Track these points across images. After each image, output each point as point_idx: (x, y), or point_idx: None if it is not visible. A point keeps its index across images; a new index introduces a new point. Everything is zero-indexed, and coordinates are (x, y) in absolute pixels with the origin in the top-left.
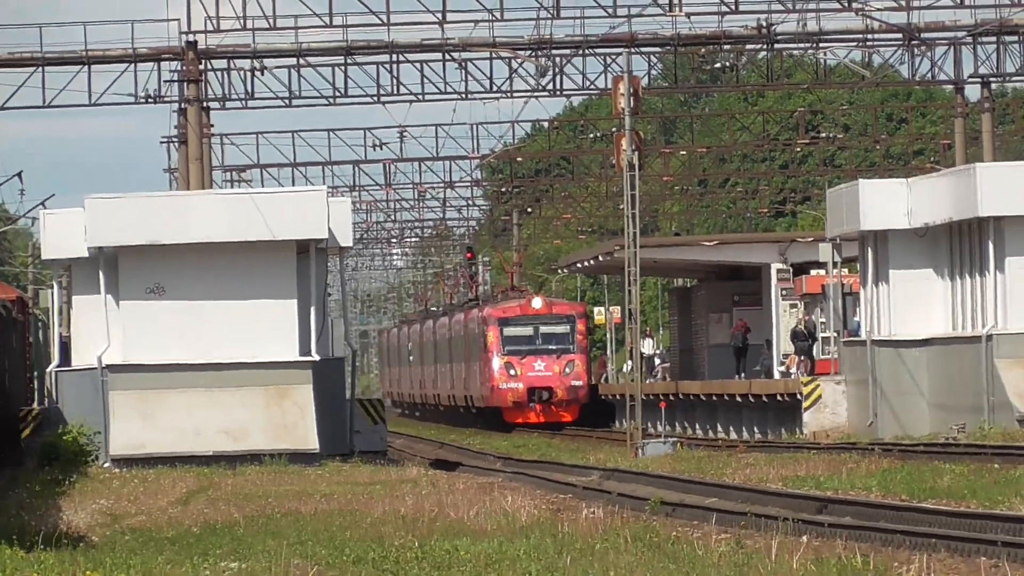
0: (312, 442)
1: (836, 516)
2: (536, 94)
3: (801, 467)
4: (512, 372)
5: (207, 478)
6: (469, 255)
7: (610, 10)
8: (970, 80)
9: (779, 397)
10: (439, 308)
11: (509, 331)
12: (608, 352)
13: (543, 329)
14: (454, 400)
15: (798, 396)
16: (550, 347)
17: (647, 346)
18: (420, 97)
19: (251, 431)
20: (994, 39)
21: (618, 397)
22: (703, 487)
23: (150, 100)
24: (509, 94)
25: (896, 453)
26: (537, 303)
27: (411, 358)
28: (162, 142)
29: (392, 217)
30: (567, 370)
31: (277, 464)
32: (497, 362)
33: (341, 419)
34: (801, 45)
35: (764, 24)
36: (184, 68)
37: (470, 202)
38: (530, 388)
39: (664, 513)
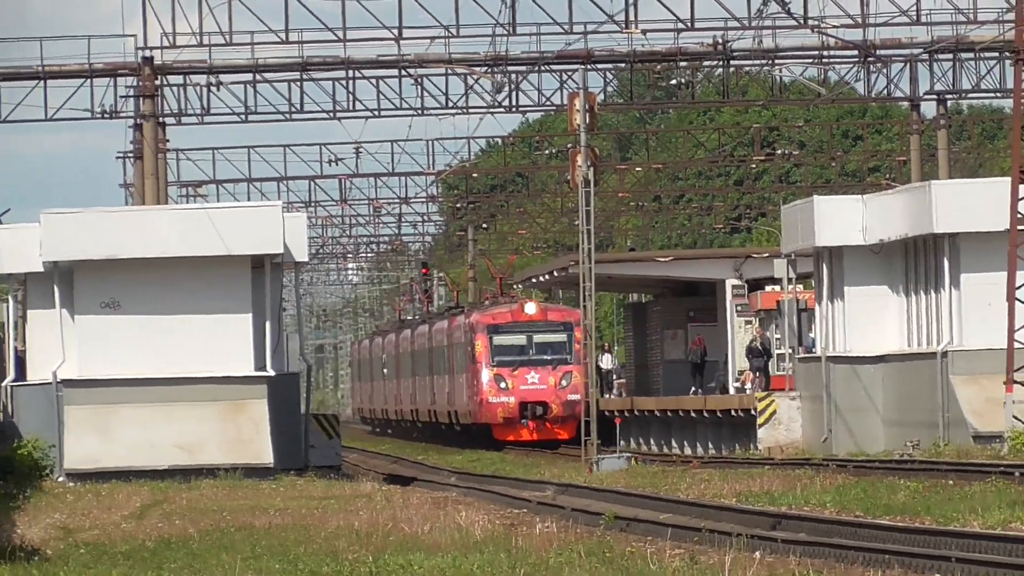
0: (267, 457)
1: (790, 532)
2: (492, 110)
3: (755, 483)
4: (503, 385)
5: (162, 492)
6: (424, 271)
7: (566, 27)
8: (926, 97)
9: (734, 413)
10: (417, 316)
11: (499, 340)
12: None
13: (537, 338)
14: (435, 416)
15: (753, 412)
16: (545, 357)
17: (606, 361)
18: (376, 113)
19: (206, 445)
20: (950, 56)
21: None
22: (657, 502)
23: (106, 115)
24: (465, 110)
25: (851, 469)
26: (531, 308)
27: (385, 371)
28: (118, 157)
29: (347, 232)
30: (563, 383)
31: (232, 478)
32: (486, 374)
33: (296, 434)
34: (757, 62)
35: (720, 41)
36: (140, 84)
37: (425, 217)
38: (523, 403)
39: (618, 528)
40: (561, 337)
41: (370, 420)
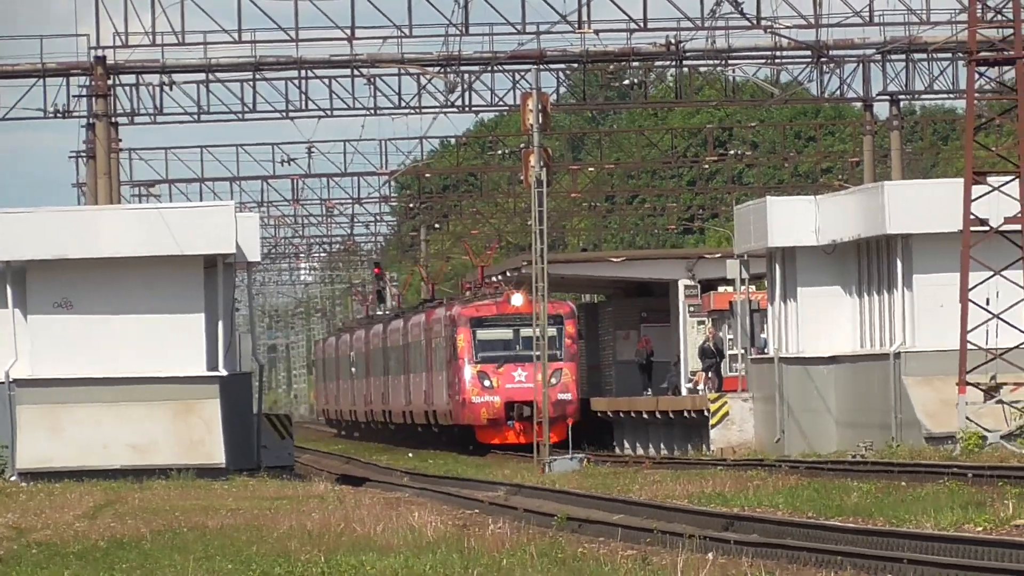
0: (219, 457)
1: (743, 533)
2: (445, 110)
3: (708, 484)
4: (487, 383)
5: (114, 492)
6: (377, 270)
7: (519, 27)
8: (879, 98)
9: (686, 414)
10: (389, 311)
11: (483, 334)
12: None
13: (524, 332)
14: (410, 417)
15: (705, 413)
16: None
17: None
18: (329, 113)
19: (158, 445)
20: (903, 57)
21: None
22: (610, 503)
23: (59, 115)
24: (418, 110)
25: (803, 470)
26: (517, 300)
27: (354, 370)
28: (71, 157)
29: (300, 232)
30: (553, 381)
31: (184, 479)
32: (469, 371)
33: (248, 434)
34: (710, 62)
35: (673, 41)
36: (93, 83)
37: (378, 218)
38: (508, 402)
39: (570, 529)
40: (551, 331)
41: (337, 422)
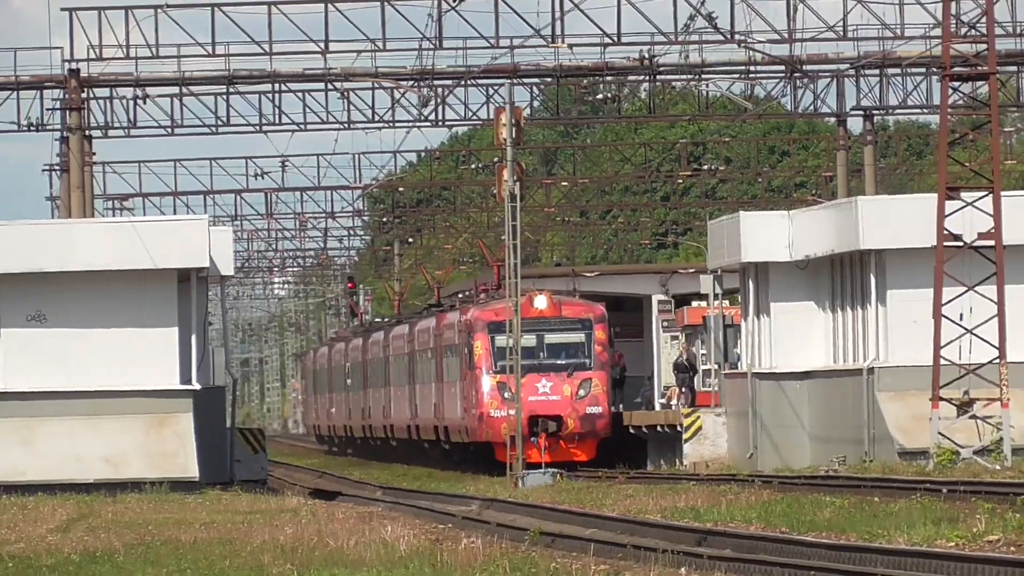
0: (192, 470)
1: (716, 548)
2: (418, 124)
3: (681, 499)
4: (507, 395)
5: (87, 506)
6: (351, 285)
7: (492, 41)
8: (852, 113)
9: (659, 428)
10: (390, 317)
11: (503, 341)
12: None
13: (549, 338)
14: (416, 432)
15: (678, 428)
16: (559, 362)
17: None
18: (302, 127)
19: (131, 459)
20: (877, 72)
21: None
22: (582, 518)
23: (32, 128)
24: (391, 124)
25: (776, 485)
26: (541, 302)
27: (349, 382)
28: (44, 170)
29: (273, 246)
30: (581, 392)
31: (157, 492)
32: (487, 382)
33: (221, 448)
34: (683, 77)
35: (646, 56)
36: (67, 96)
37: (351, 232)
38: (532, 416)
39: (543, 544)
40: (578, 337)
41: (328, 438)
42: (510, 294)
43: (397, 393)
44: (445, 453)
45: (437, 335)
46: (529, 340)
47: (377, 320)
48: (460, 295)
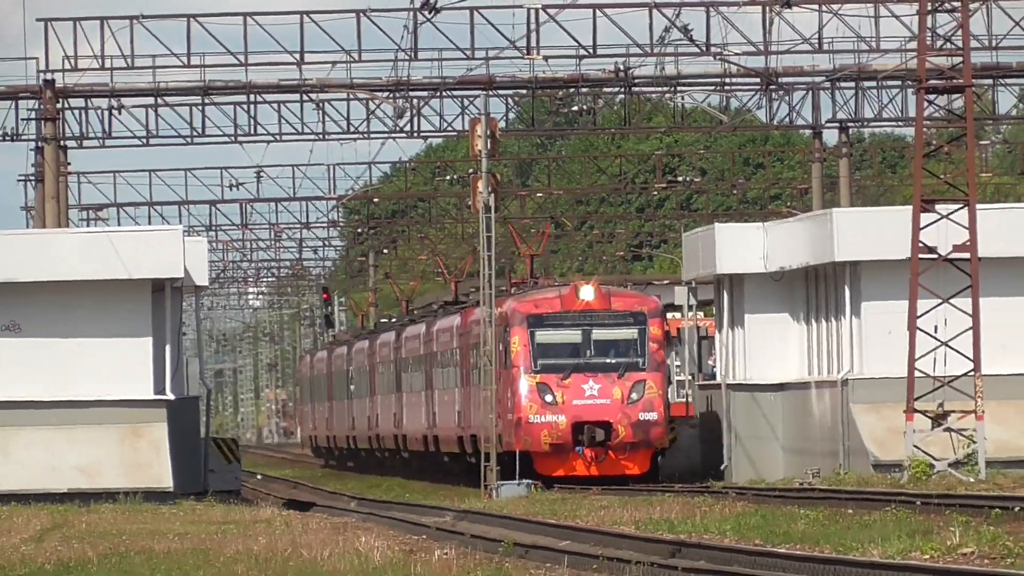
0: (166, 481)
1: (690, 560)
2: (393, 135)
3: (655, 510)
4: (549, 399)
5: (61, 516)
6: (325, 295)
7: (468, 52)
8: (828, 125)
9: None
10: (397, 317)
11: (545, 336)
12: None
13: (597, 334)
14: (435, 443)
15: None
16: (608, 361)
17: None
18: (277, 137)
19: (106, 469)
20: (852, 84)
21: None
22: (556, 529)
23: (7, 138)
24: (366, 135)
25: (750, 497)
26: (587, 293)
27: (352, 388)
28: (19, 180)
29: (248, 257)
30: (633, 396)
31: (131, 502)
32: (525, 384)
33: (195, 458)
34: (659, 89)
35: (622, 67)
36: (42, 107)
37: (326, 243)
38: (576, 423)
39: (517, 555)
40: (630, 333)
41: (327, 450)
42: (484, 304)
43: (411, 400)
44: (469, 467)
45: (463, 333)
46: (574, 336)
47: (383, 320)
48: (462, 297)
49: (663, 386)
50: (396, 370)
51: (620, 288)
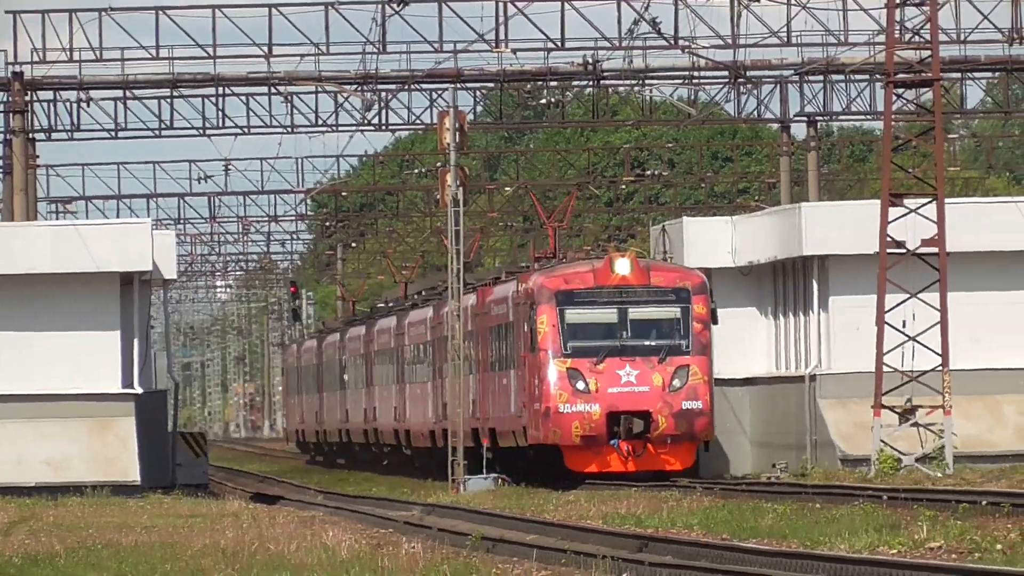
0: (134, 474)
1: (657, 554)
2: (362, 128)
3: (622, 504)
4: (580, 386)
5: (29, 509)
6: (293, 289)
7: (436, 45)
8: (796, 119)
9: None
10: (395, 301)
11: (576, 315)
12: None
13: (635, 312)
14: (442, 438)
15: None
16: (647, 343)
17: None
18: (246, 130)
19: (73, 462)
20: (821, 78)
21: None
22: (524, 523)
23: None
24: (335, 128)
25: (718, 491)
26: (623, 266)
27: (346, 378)
28: None
29: (216, 250)
30: (676, 383)
31: (99, 496)
32: (554, 369)
33: (163, 452)
34: (627, 82)
35: (590, 61)
36: (10, 99)
37: (294, 236)
38: (612, 413)
39: (484, 549)
40: (672, 311)
41: (315, 445)
42: (452, 298)
43: (415, 391)
44: (483, 463)
45: (479, 315)
46: (609, 315)
47: (380, 305)
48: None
49: (708, 372)
50: (398, 358)
51: (661, 261)
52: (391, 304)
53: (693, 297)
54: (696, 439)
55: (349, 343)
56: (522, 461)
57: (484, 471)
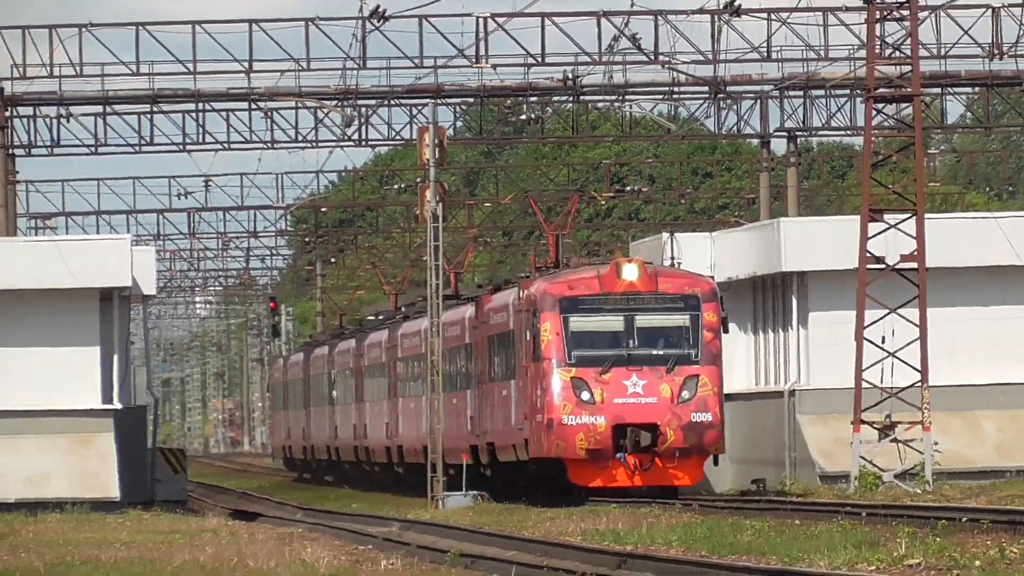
0: (113, 490)
1: (636, 571)
2: (342, 144)
3: (601, 521)
4: (585, 397)
5: (8, 525)
6: (272, 304)
7: (416, 61)
8: (776, 134)
9: None
10: (385, 314)
11: (580, 322)
12: None
13: (642, 320)
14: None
15: None
16: (655, 352)
17: None
18: (226, 146)
19: (53, 478)
20: (801, 93)
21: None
22: (503, 540)
23: None
24: (315, 144)
25: (697, 508)
26: (630, 272)
27: (335, 394)
28: None
29: (196, 266)
30: (685, 394)
31: (78, 512)
32: (558, 379)
33: (142, 468)
34: (607, 97)
35: (570, 76)
36: None
37: (274, 251)
38: (618, 426)
39: (463, 565)
40: (681, 319)
41: (303, 462)
42: (431, 315)
43: (408, 405)
44: (483, 479)
45: (477, 325)
46: (615, 322)
47: (370, 317)
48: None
49: (719, 382)
50: (390, 373)
51: (669, 267)
52: (382, 316)
53: (703, 304)
54: (706, 452)
55: (338, 357)
56: (523, 477)
57: (464, 487)
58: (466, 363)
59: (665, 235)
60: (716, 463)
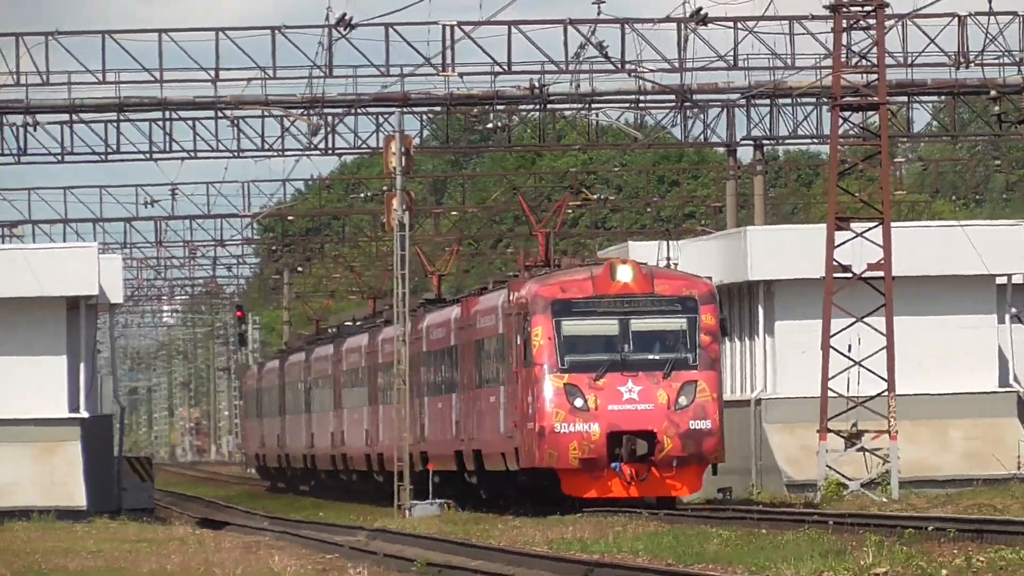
0: (80, 499)
1: None
2: (308, 152)
3: (568, 530)
4: (579, 404)
5: None
6: (239, 313)
7: (383, 69)
8: (743, 142)
9: None
10: (365, 318)
11: (574, 326)
12: None
13: (637, 324)
14: (422, 461)
15: None
16: (650, 357)
17: None
18: (192, 154)
19: (19, 487)
20: (767, 101)
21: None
22: (470, 549)
23: None
24: (281, 152)
25: (663, 516)
26: (625, 273)
27: (311, 402)
28: None
29: (162, 275)
30: (682, 400)
31: (45, 520)
32: (550, 385)
33: (109, 476)
34: (574, 106)
35: (537, 84)
36: None
37: (241, 260)
38: (613, 434)
39: (430, 575)
40: (677, 322)
41: (277, 471)
42: (398, 322)
43: (389, 412)
44: (468, 488)
45: (462, 328)
46: (609, 326)
47: (348, 323)
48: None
49: (718, 388)
50: (370, 379)
51: (665, 268)
52: (360, 322)
53: (701, 307)
54: (704, 461)
55: (315, 363)
56: (512, 487)
57: (430, 496)
58: (452, 367)
59: (631, 243)
60: (715, 472)
